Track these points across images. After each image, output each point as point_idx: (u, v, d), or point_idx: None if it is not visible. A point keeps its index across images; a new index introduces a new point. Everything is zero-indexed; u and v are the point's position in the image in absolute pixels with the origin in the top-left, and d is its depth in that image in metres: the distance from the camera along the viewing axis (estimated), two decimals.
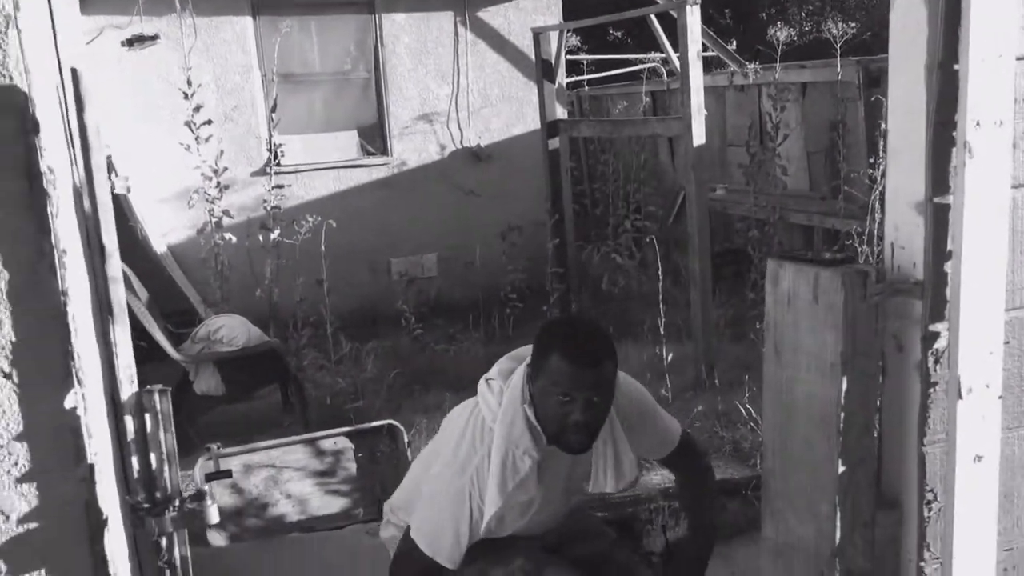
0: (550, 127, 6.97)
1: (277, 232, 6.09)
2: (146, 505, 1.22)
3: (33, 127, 1.22)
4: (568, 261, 7.13)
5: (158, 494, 1.24)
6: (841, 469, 1.60)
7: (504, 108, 8.10)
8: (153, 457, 1.25)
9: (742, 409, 4.51)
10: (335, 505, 3.65)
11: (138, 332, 5.05)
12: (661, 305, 5.29)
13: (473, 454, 2.07)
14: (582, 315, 2.61)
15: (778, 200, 6.97)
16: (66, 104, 1.65)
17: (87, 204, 1.51)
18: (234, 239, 6.28)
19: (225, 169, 6.30)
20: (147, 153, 6.93)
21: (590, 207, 9.16)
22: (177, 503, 1.25)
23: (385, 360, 6.23)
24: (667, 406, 4.95)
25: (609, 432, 2.09)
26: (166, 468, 1.22)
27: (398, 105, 7.79)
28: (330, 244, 7.20)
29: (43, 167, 1.22)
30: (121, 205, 6.73)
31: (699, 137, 5.41)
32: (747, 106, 8.09)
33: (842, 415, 1.58)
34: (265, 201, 6.27)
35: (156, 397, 1.22)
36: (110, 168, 6.48)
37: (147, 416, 1.24)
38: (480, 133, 8.04)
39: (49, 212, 1.24)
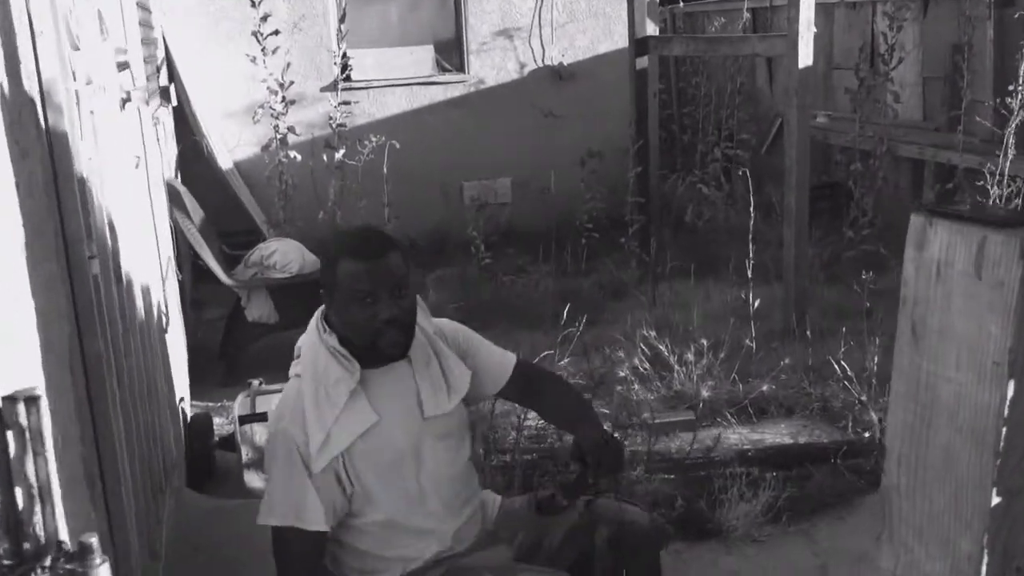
0: (639, 45, 6.40)
1: (342, 152, 5.77)
2: (7, 561, 0.86)
3: None
4: (650, 191, 6.62)
5: (26, 545, 0.87)
6: (996, 500, 1.19)
7: (590, 24, 7.53)
8: (19, 492, 0.87)
9: (835, 365, 4.05)
10: None
11: (195, 251, 4.84)
12: (750, 242, 4.79)
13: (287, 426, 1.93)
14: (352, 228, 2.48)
15: (886, 130, 6.34)
16: None
17: None
18: (299, 157, 6.00)
19: (291, 83, 5.99)
20: (214, 64, 6.64)
21: (678, 133, 8.59)
22: (51, 559, 0.88)
23: (449, 290, 5.92)
24: (750, 356, 4.54)
25: (428, 348, 2.00)
26: (38, 508, 0.84)
27: (477, 19, 7.31)
28: (400, 166, 6.88)
29: None
30: (185, 117, 6.50)
31: (806, 58, 4.83)
32: (858, 25, 7.34)
33: (1003, 430, 1.16)
34: (331, 119, 5.95)
35: (21, 408, 0.84)
36: (171, 80, 6.23)
37: (10, 435, 0.85)
38: (563, 51, 7.52)
39: None
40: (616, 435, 2.24)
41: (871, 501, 3.37)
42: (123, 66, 2.39)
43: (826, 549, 3.11)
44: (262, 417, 3.37)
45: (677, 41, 6.81)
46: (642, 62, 6.41)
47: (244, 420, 3.37)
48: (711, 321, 5.01)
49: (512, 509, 2.20)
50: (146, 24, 4.79)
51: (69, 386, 1.43)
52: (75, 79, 1.78)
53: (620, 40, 7.24)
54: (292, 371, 2.00)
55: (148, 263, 3.09)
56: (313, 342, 1.94)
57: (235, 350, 4.76)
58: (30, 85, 1.41)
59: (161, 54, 5.79)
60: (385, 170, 5.33)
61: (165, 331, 3.39)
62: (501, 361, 2.17)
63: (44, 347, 1.26)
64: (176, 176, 6.22)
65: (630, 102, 6.59)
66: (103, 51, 2.17)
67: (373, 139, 5.58)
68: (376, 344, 1.89)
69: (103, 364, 1.61)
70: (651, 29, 6.37)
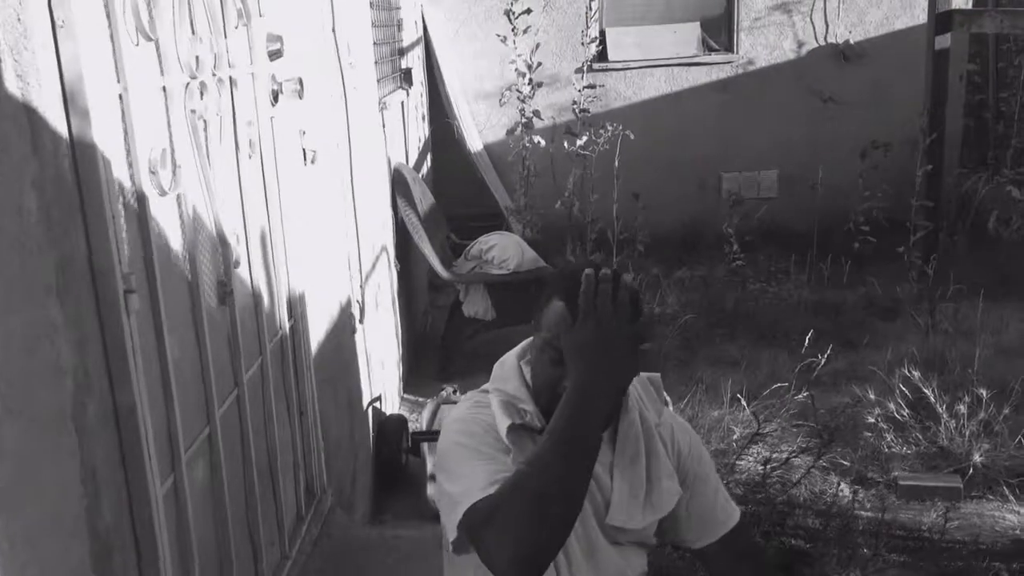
0: (940, 19, 5.44)
1: (584, 139, 5.41)
2: None
3: None
4: (943, 192, 5.64)
5: None
6: None
7: None
8: None
9: None
10: None
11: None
12: None
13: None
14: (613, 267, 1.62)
15: None
16: None
17: None
18: (542, 142, 5.73)
19: (539, 64, 5.71)
20: (470, 46, 6.55)
21: (991, 123, 7.31)
22: None
23: (690, 293, 5.39)
24: None
25: (640, 442, 1.57)
26: None
27: None
28: (655, 153, 6.42)
29: None
30: (440, 99, 6.46)
31: None
32: None
33: None
34: (575, 103, 5.61)
35: None
36: (429, 62, 6.20)
37: None
38: (851, 27, 6.61)
39: None
40: None
41: None
42: (275, 55, 2.19)
43: None
44: (434, 436, 3.13)
45: (989, 16, 5.72)
46: (943, 40, 5.46)
47: (417, 438, 3.15)
48: (1001, 360, 4.10)
49: None
50: (384, 6, 4.71)
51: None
52: (161, 74, 1.55)
53: (921, 14, 6.24)
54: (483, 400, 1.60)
55: (324, 264, 2.92)
56: (512, 357, 1.62)
57: (452, 344, 4.60)
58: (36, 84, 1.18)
59: (412, 36, 5.75)
60: (618, 158, 4.88)
61: (354, 331, 3.23)
62: (725, 508, 1.67)
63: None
64: (425, 160, 6.22)
65: (925, 86, 5.64)
66: (235, 39, 1.96)
67: (609, 127, 5.15)
68: (549, 412, 1.43)
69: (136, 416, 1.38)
70: (958, 1, 5.38)
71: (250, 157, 2.08)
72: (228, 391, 1.95)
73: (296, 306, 2.46)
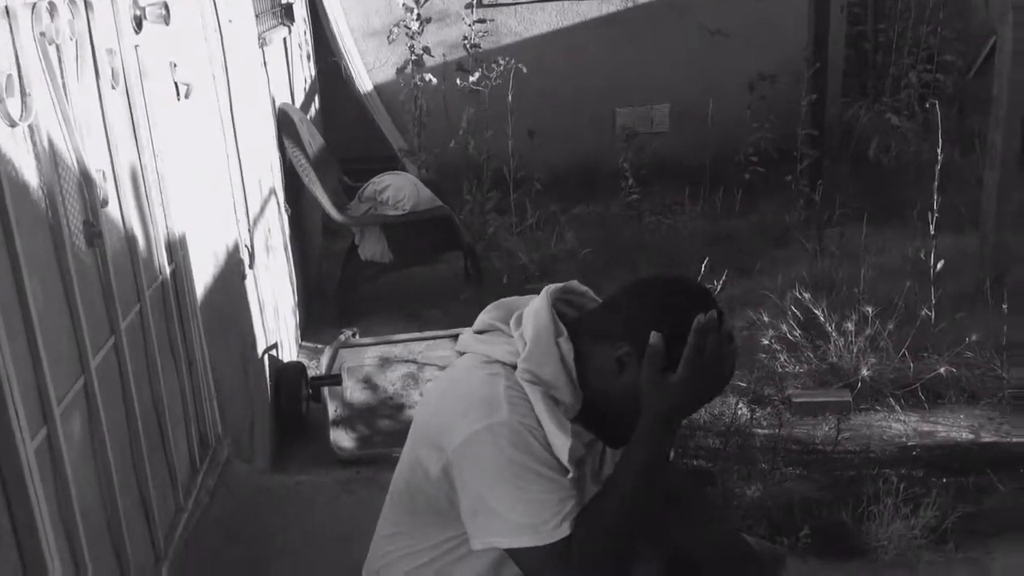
0: None
1: (477, 75, 5.31)
2: None
3: None
4: (827, 121, 5.78)
5: None
6: None
7: None
8: None
9: None
10: None
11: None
12: (936, 183, 3.95)
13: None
14: (691, 282, 1.49)
15: None
16: None
17: None
18: (433, 80, 5.59)
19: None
20: None
21: (871, 53, 7.50)
22: None
23: (588, 229, 5.40)
24: (927, 327, 3.78)
25: None
26: None
27: None
28: (548, 90, 6.35)
29: None
30: (325, 37, 6.23)
31: None
32: None
33: None
34: (466, 39, 5.48)
35: None
36: (287, 15, 5.95)
37: None
38: None
39: None
40: None
41: None
42: None
43: None
44: (335, 380, 3.06)
45: None
46: None
47: (317, 382, 3.07)
48: (884, 280, 4.25)
49: None
50: None
51: None
52: None
53: None
54: (487, 340, 1.48)
55: (207, 206, 2.78)
56: (544, 330, 1.41)
57: (349, 289, 4.49)
58: None
59: None
60: (510, 96, 4.81)
61: (244, 277, 3.10)
62: None
63: None
64: (312, 102, 6.00)
65: (808, 18, 5.74)
66: None
67: (502, 61, 5.06)
68: (620, 433, 1.41)
69: None
70: None
71: (114, 88, 1.93)
72: (104, 339, 1.83)
73: (176, 250, 2.33)
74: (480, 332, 1.52)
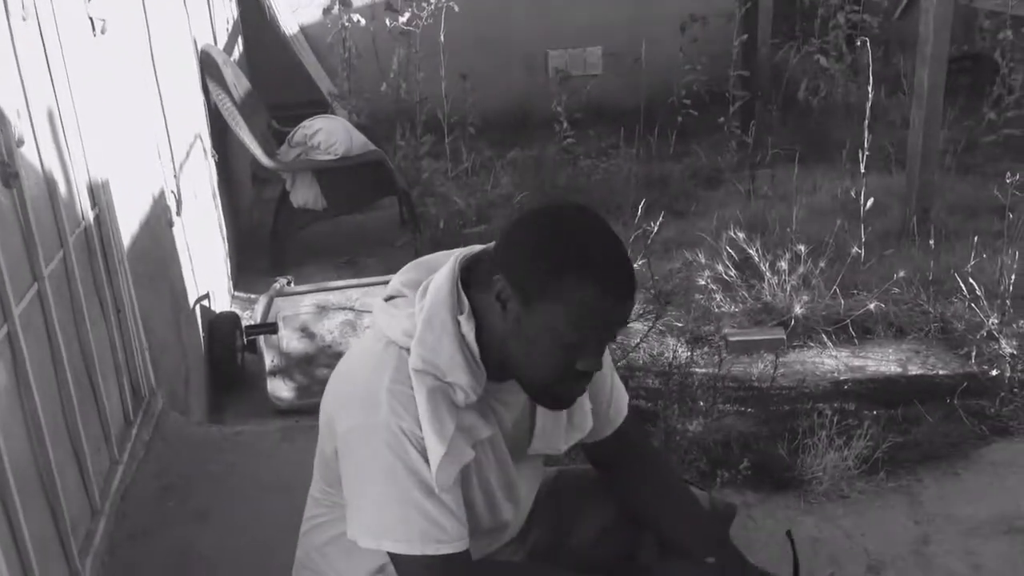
0: None
1: (407, 15, 5.17)
2: None
3: None
4: (758, 63, 5.82)
5: None
6: None
7: None
8: None
9: (961, 281, 3.36)
10: None
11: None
12: (867, 122, 4.02)
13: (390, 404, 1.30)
14: (584, 211, 1.32)
15: None
16: None
17: None
18: (362, 21, 5.44)
19: None
20: None
21: None
22: None
23: (524, 173, 5.36)
24: (857, 265, 3.87)
25: None
26: None
27: None
28: (480, 32, 6.24)
29: None
30: None
31: None
32: None
33: None
34: None
35: None
36: None
37: None
38: None
39: None
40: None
41: (993, 453, 2.77)
42: None
43: (931, 514, 2.55)
44: (271, 328, 2.99)
45: None
46: None
47: (252, 331, 2.99)
48: (815, 219, 4.32)
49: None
50: None
51: None
52: None
53: None
54: (389, 312, 1.37)
55: (129, 149, 2.66)
56: (439, 309, 1.31)
57: (282, 237, 4.39)
58: None
59: None
60: (443, 36, 4.71)
61: (171, 224, 2.99)
62: (618, 401, 1.60)
63: None
64: (236, 44, 5.79)
65: None
66: None
67: (433, 0, 4.94)
68: (550, 391, 1.35)
69: None
70: None
71: (24, 20, 1.81)
72: (27, 287, 1.74)
73: (100, 194, 2.22)
74: (389, 298, 1.41)
